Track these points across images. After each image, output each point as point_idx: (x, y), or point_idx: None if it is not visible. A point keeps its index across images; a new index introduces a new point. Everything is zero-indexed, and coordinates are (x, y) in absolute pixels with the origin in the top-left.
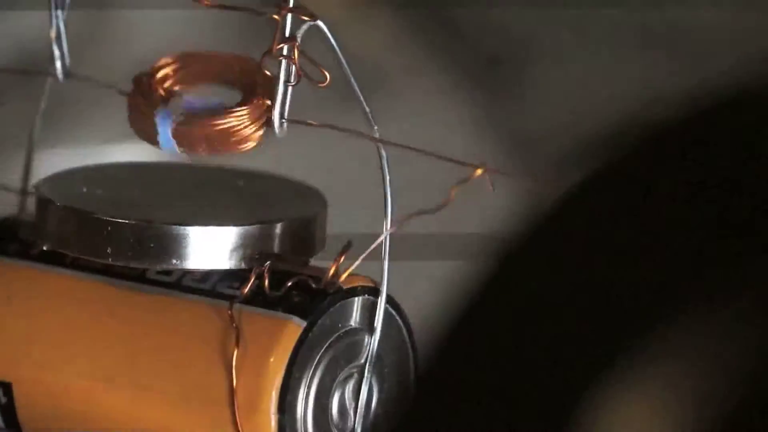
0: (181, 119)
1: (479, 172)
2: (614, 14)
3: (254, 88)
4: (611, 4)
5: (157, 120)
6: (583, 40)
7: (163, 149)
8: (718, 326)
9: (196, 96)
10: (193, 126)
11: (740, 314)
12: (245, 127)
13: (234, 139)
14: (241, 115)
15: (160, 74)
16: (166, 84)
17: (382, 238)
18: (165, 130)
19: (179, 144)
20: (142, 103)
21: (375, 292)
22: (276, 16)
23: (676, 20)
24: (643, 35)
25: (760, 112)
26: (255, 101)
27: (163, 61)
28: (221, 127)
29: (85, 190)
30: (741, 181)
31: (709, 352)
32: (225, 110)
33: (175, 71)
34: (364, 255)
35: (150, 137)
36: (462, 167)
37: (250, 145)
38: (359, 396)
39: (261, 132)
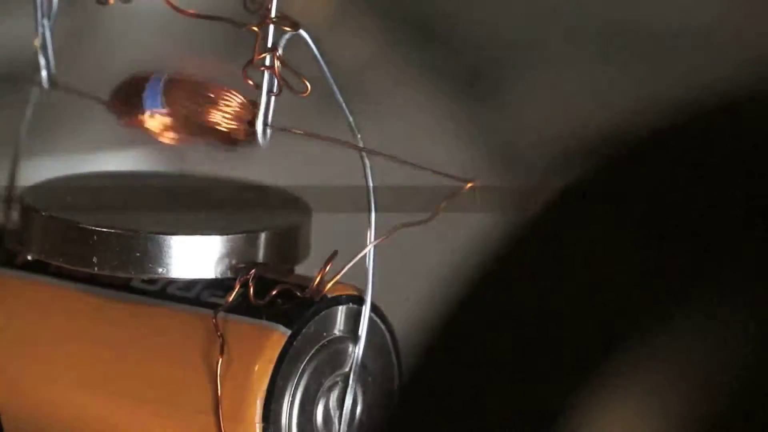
0: (175, 76)
1: (469, 186)
2: (599, 21)
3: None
4: (596, 11)
5: (150, 79)
6: (567, 48)
7: (146, 103)
8: (705, 332)
9: None
10: (184, 82)
11: (727, 320)
12: (230, 107)
13: (218, 112)
14: (230, 96)
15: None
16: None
17: (367, 249)
18: (155, 85)
19: (165, 98)
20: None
21: (359, 300)
22: (255, 28)
23: (662, 27)
24: (628, 43)
25: (753, 114)
26: (239, 98)
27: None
28: (210, 92)
29: (69, 199)
30: (729, 184)
31: (695, 357)
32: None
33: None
34: (349, 265)
35: (133, 106)
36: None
37: (230, 125)
38: (344, 404)
39: (240, 122)
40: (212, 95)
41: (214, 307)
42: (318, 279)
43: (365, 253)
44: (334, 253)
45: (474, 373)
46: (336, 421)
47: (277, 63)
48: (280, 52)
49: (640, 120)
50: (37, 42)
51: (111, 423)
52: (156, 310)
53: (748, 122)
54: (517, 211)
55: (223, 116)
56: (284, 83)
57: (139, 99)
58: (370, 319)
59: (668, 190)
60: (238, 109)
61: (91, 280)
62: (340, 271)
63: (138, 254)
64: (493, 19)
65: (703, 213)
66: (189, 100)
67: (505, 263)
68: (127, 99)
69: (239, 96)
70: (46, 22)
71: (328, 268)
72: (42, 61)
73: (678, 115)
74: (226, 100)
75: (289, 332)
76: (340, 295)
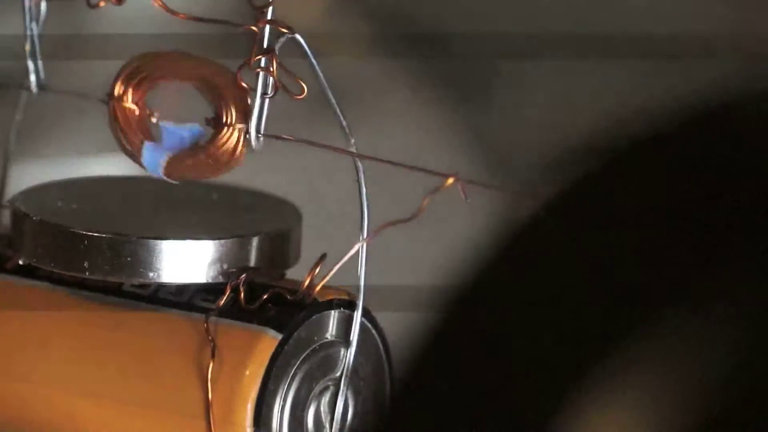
0: (170, 156)
1: (450, 181)
2: (593, 25)
3: (226, 100)
4: (590, 15)
5: (144, 152)
6: (561, 51)
7: (148, 169)
8: (698, 333)
9: (173, 124)
10: (182, 159)
11: (720, 321)
12: (231, 150)
13: (222, 163)
14: (226, 140)
15: (133, 80)
16: (139, 91)
17: (356, 247)
18: (154, 162)
19: (168, 177)
20: (122, 122)
21: (351, 305)
22: (254, 28)
23: (657, 31)
24: (620, 45)
25: (744, 118)
26: (232, 122)
27: (131, 66)
28: (210, 155)
29: (60, 203)
30: (722, 187)
31: (688, 358)
32: (210, 140)
33: (144, 74)
34: (338, 266)
35: (132, 156)
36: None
37: (237, 164)
38: (335, 409)
39: (245, 151)
40: (211, 155)
41: (205, 311)
42: (307, 281)
43: (353, 255)
44: (323, 256)
45: (466, 376)
46: (327, 425)
47: (273, 65)
48: (276, 53)
49: (636, 122)
50: (26, 46)
51: (102, 427)
52: (147, 315)
53: (744, 123)
54: (508, 209)
55: (228, 162)
56: (281, 85)
57: (136, 145)
58: (362, 324)
59: (664, 191)
60: (236, 141)
61: (82, 284)
62: (329, 273)
63: (129, 259)
64: (487, 22)
65: (700, 214)
66: (192, 170)
67: (499, 266)
68: (131, 141)
69: (227, 131)
70: (34, 26)
71: (317, 270)
72: (31, 66)
73: (674, 117)
74: (224, 148)
75: (280, 336)
76: (332, 300)
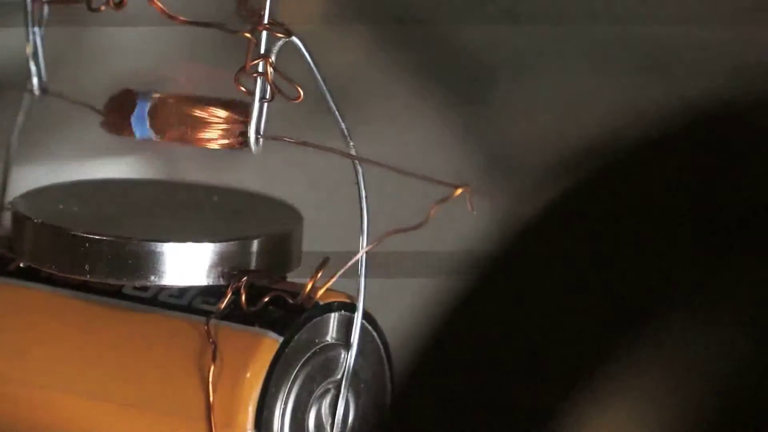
0: (160, 97)
1: (459, 191)
2: (592, 29)
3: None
4: (589, 19)
5: (136, 103)
6: (562, 56)
7: (136, 132)
8: (698, 335)
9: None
10: (169, 105)
11: (720, 323)
12: (219, 125)
13: (206, 133)
14: (219, 114)
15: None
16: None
17: (359, 255)
18: (142, 108)
19: (152, 125)
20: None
21: (351, 307)
22: (248, 35)
23: (655, 35)
24: (621, 50)
25: (741, 123)
26: (234, 111)
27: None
28: (197, 114)
29: (61, 206)
30: (720, 190)
31: (689, 361)
32: (205, 102)
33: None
34: (341, 272)
35: (123, 128)
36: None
37: (219, 143)
38: (336, 411)
39: (232, 139)
40: (199, 115)
41: (206, 314)
42: (309, 286)
43: (357, 260)
44: (326, 260)
45: (467, 378)
46: (328, 428)
47: (269, 69)
48: (272, 58)
49: (636, 124)
50: (28, 49)
51: (102, 429)
52: (148, 317)
53: (743, 124)
54: (512, 218)
55: (213, 135)
56: (276, 90)
57: (130, 117)
58: (362, 327)
59: (665, 193)
60: (227, 126)
61: (83, 287)
62: (331, 278)
63: (130, 261)
64: (487, 25)
65: (701, 216)
66: (177, 126)
67: (499, 268)
68: (119, 116)
69: (225, 110)
70: (36, 29)
71: (319, 275)
72: (33, 69)
73: (674, 120)
74: (214, 118)
75: (281, 339)
76: (333, 302)
